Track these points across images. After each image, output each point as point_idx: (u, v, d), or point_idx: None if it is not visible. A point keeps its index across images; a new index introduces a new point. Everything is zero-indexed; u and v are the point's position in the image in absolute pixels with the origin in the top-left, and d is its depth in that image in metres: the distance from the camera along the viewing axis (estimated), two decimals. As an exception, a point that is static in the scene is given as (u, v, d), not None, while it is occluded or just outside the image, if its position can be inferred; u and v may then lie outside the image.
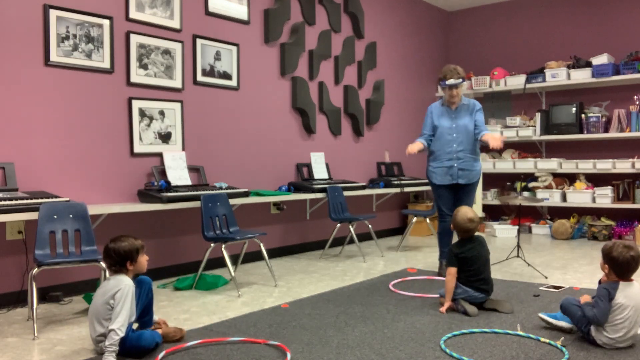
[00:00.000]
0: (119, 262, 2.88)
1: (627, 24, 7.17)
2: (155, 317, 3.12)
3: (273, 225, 5.76)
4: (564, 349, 2.81)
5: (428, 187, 6.79)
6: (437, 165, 4.62)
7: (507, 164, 7.60)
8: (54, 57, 4.10)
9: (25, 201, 3.56)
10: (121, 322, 2.72)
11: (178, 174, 4.73)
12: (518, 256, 5.00)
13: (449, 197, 4.64)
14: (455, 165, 4.55)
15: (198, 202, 4.40)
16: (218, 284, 4.38)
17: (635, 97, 6.90)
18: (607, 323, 2.83)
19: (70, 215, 3.63)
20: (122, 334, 2.71)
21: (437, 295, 3.88)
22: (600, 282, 2.99)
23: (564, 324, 3.11)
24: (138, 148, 4.62)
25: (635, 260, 2.83)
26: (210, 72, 5.17)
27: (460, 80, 4.50)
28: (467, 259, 3.60)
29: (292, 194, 5.48)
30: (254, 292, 4.23)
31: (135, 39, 4.58)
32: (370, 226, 5.81)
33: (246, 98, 5.52)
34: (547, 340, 2.95)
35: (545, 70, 7.37)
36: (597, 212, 7.12)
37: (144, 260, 2.97)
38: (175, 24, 4.88)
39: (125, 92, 4.55)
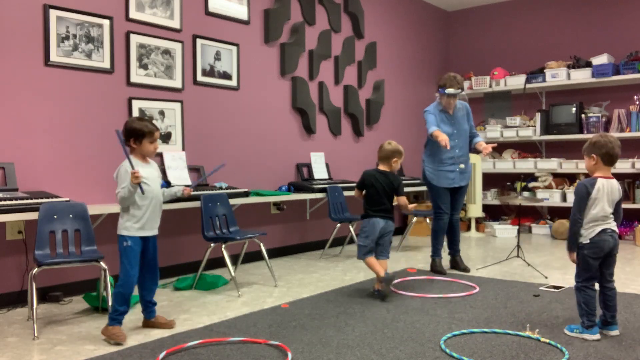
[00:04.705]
0: (126, 137, 3.12)
1: (627, 24, 7.17)
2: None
3: (273, 225, 5.76)
4: (564, 349, 2.81)
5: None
6: (438, 168, 4.77)
7: (507, 164, 7.60)
8: (54, 57, 4.10)
9: (25, 201, 3.56)
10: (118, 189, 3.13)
11: (178, 174, 4.73)
12: (518, 256, 5.01)
13: (448, 196, 4.83)
14: (457, 169, 4.77)
15: (198, 202, 4.40)
16: (218, 284, 4.38)
17: (635, 97, 6.90)
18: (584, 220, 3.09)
19: (70, 215, 3.63)
20: (120, 192, 3.10)
21: (436, 296, 3.87)
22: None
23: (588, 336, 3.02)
24: (138, 148, 4.61)
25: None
26: (210, 72, 5.17)
27: (460, 90, 4.68)
28: (373, 187, 3.92)
29: (292, 194, 5.48)
30: (254, 292, 4.23)
31: (135, 39, 4.58)
32: (370, 226, 5.80)
33: (246, 98, 5.52)
34: (547, 340, 2.95)
35: (545, 70, 7.37)
36: (597, 212, 7.11)
37: (150, 146, 3.15)
38: (175, 24, 4.88)
39: (125, 92, 4.55)
